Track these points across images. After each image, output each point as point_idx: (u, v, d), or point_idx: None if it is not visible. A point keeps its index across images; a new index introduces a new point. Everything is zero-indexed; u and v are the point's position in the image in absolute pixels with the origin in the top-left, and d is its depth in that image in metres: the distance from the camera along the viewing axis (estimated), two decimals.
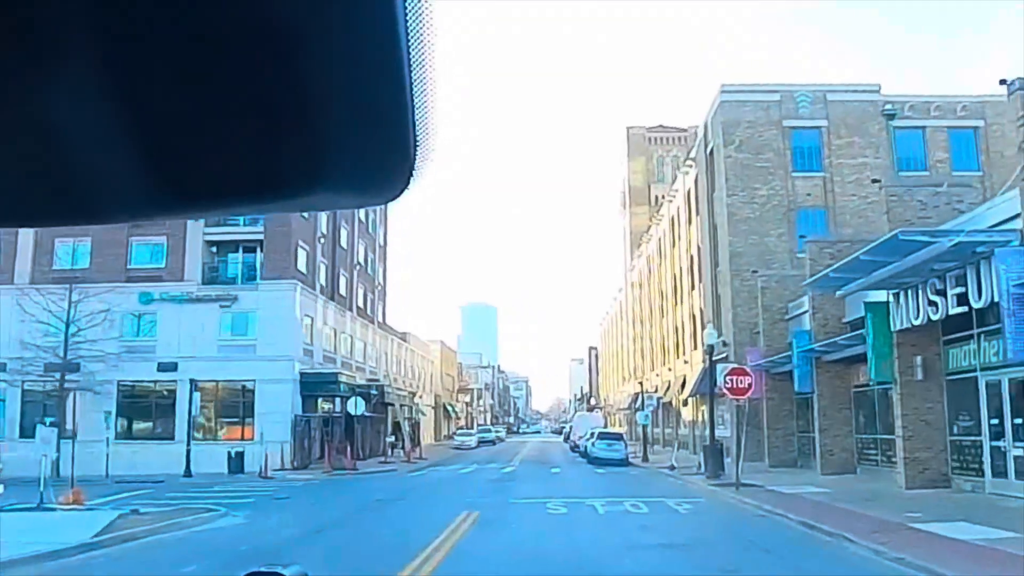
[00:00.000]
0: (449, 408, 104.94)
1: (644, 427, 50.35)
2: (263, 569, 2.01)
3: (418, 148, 0.91)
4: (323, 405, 48.92)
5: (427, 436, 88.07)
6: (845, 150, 45.50)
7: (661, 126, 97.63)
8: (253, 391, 44.23)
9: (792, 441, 36.97)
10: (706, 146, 49.94)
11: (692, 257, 56.45)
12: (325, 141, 0.89)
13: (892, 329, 23.53)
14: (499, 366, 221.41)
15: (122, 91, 0.84)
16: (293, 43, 0.82)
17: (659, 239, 70.55)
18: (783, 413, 37.04)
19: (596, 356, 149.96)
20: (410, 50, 0.85)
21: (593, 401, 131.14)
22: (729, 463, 32.39)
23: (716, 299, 48.11)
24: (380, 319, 69.94)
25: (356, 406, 43.34)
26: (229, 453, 40.29)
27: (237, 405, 44.92)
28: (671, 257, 64.43)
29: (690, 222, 56.92)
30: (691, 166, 55.08)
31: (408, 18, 0.84)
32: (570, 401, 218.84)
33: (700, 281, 53.11)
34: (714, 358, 47.26)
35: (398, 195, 0.96)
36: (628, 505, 21.25)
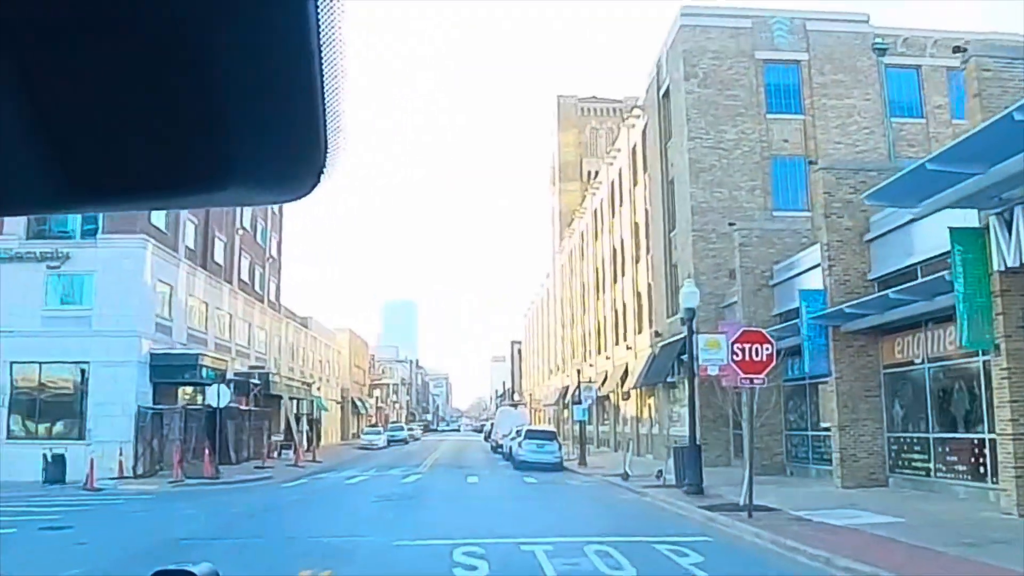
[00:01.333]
0: (359, 404, 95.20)
1: (581, 424, 41.68)
2: (171, 568, 1.87)
3: (328, 145, 0.90)
4: (190, 396, 39.37)
5: (331, 434, 78.82)
6: (829, 89, 37.54)
7: (594, 97, 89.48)
8: (88, 376, 34.49)
9: (780, 441, 28.70)
10: (659, 87, 41.53)
11: (637, 225, 48.05)
12: (234, 138, 0.88)
13: (993, 268, 15.15)
14: (417, 361, 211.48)
15: (29, 84, 0.84)
16: (202, 40, 0.82)
17: (595, 211, 62.10)
18: (769, 404, 28.66)
19: (519, 351, 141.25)
20: (321, 47, 0.84)
21: (517, 397, 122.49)
22: (706, 471, 23.87)
23: (671, 269, 39.73)
24: (272, 298, 60.10)
25: (219, 397, 33.67)
26: (45, 456, 30.53)
27: (66, 394, 35.03)
28: (610, 228, 56.00)
29: (635, 184, 48.50)
30: (639, 116, 46.63)
31: (320, 16, 0.83)
32: (491, 398, 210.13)
33: (648, 252, 44.72)
34: (671, 340, 39.15)
35: (309, 192, 0.95)
36: (592, 554, 12.33)
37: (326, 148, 0.89)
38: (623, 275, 51.88)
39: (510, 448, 42.03)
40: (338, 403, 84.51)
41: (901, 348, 21.36)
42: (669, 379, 38.37)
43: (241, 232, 50.55)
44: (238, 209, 50.33)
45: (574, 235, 72.69)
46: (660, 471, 27.83)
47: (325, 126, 0.88)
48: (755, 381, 16.32)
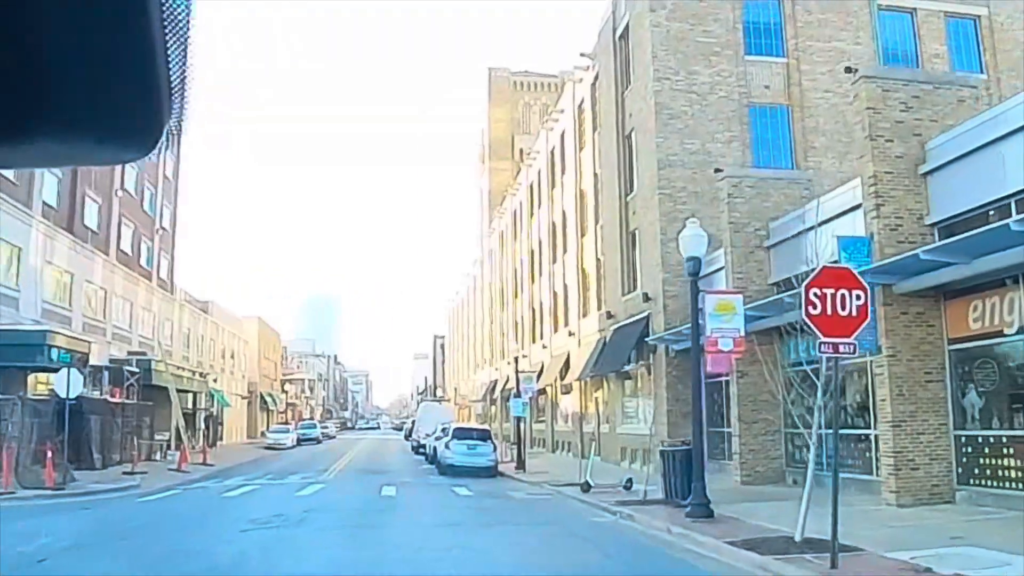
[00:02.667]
0: (269, 399, 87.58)
1: (519, 421, 35.46)
2: None
3: (173, 101, 0.84)
4: (46, 385, 32.01)
5: (236, 432, 71.43)
6: (815, 30, 31.98)
7: (527, 71, 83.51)
8: None
9: (778, 442, 22.89)
10: (615, 29, 35.54)
11: (583, 193, 42.06)
12: (62, 89, 0.81)
13: None
14: (336, 357, 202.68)
15: None
16: None
17: (531, 184, 55.94)
18: (763, 397, 22.91)
19: (442, 346, 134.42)
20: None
21: (440, 393, 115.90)
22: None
23: (627, 239, 33.78)
24: (164, 276, 52.61)
25: (69, 385, 26.45)
26: None
27: None
28: (550, 201, 49.90)
29: (581, 147, 42.51)
30: (587, 67, 40.58)
31: None
32: (412, 395, 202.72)
33: (598, 223, 38.72)
34: (628, 321, 33.17)
35: (151, 149, 0.89)
36: None
37: (171, 103, 0.81)
38: (565, 252, 45.85)
39: (435, 449, 35.75)
40: (244, 398, 77.00)
41: (979, 314, 15.59)
42: (625, 367, 32.38)
43: (121, 194, 43.11)
44: (117, 168, 42.87)
45: (505, 215, 66.46)
46: (629, 480, 21.88)
47: (169, 80, 0.80)
48: (841, 348, 10.27)
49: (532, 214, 55.38)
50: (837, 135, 31.24)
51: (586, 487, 21.37)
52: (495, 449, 32.01)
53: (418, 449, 47.69)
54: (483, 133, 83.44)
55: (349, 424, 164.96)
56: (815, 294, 10.23)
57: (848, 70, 17.85)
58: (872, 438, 18.16)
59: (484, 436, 32.59)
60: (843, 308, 10.28)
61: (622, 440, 32.94)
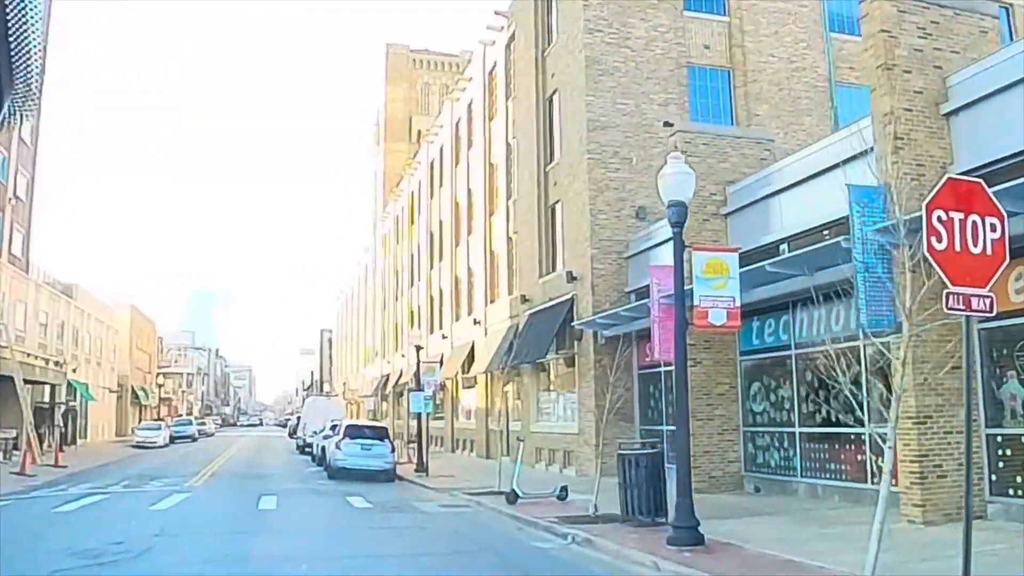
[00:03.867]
0: (141, 393, 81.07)
1: (419, 418, 31.35)
2: None
3: (15, 81, 0.82)
4: None
5: (103, 429, 65.38)
6: None
7: (427, 49, 79.24)
8: None
9: (735, 444, 19.53)
10: None
11: (493, 167, 38.26)
12: None
13: None
14: (218, 350, 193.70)
15: None
16: None
17: (432, 162, 51.83)
18: (720, 391, 19.60)
19: (330, 340, 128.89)
20: None
21: (327, 388, 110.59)
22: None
23: (546, 213, 30.15)
24: (17, 252, 46.58)
25: None
26: None
27: None
28: (453, 179, 45.92)
29: (492, 116, 38.70)
30: (501, 28, 36.77)
31: None
32: (297, 390, 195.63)
33: (510, 198, 34.98)
34: (548, 304, 29.52)
35: None
36: None
37: (12, 83, 0.77)
38: (470, 233, 41.96)
39: (323, 449, 31.62)
40: (113, 392, 70.59)
41: (1016, 285, 12.44)
42: (544, 357, 28.70)
43: None
44: None
45: (402, 197, 62.15)
46: (564, 488, 18.27)
47: (10, 61, 0.75)
48: (975, 303, 6.78)
49: (432, 194, 51.30)
50: (782, 104, 28.41)
51: (513, 497, 17.58)
52: (393, 450, 27.99)
53: (304, 448, 43.40)
54: (379, 113, 78.79)
55: (230, 420, 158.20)
56: (939, 218, 6.67)
57: None
58: (866, 438, 14.92)
59: (381, 435, 28.51)
60: (975, 243, 6.77)
61: (537, 440, 29.28)
